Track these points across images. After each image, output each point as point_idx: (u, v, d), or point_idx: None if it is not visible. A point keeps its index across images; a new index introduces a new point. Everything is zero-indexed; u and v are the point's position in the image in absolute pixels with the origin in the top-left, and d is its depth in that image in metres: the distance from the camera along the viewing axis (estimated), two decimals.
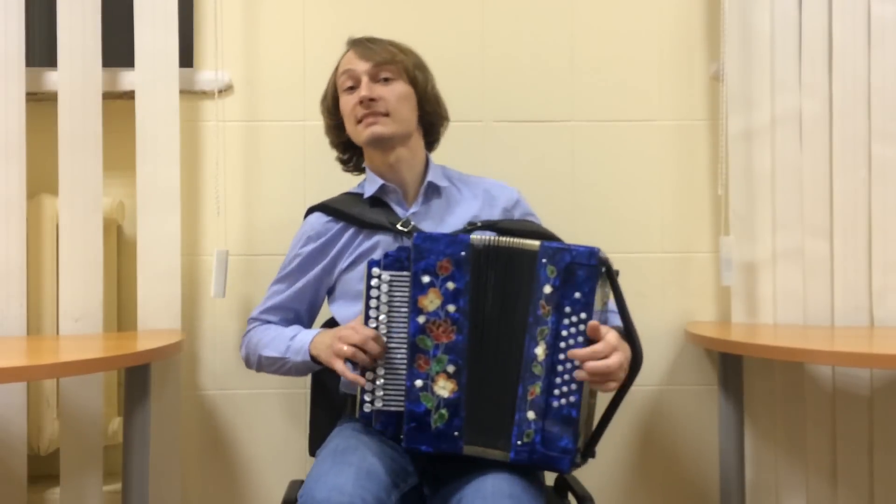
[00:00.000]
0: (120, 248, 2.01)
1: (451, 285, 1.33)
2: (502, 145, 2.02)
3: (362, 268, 1.53)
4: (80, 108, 1.86)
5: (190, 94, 1.97)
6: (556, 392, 1.30)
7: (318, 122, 2.01)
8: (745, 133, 1.96)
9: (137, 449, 1.68)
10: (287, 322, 1.66)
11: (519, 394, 1.32)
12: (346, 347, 1.37)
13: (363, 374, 1.38)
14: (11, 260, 1.83)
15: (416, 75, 1.62)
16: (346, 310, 1.59)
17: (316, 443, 1.66)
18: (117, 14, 1.92)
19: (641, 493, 2.03)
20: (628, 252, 2.01)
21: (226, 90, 2.00)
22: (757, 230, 1.95)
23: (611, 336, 1.31)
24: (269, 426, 1.99)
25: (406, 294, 1.37)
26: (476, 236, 1.36)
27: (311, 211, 1.69)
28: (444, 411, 1.32)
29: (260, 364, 1.63)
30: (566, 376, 1.30)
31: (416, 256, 1.34)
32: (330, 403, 1.67)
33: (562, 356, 1.31)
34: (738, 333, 1.82)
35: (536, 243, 1.34)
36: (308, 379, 1.79)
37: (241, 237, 1.99)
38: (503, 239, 1.36)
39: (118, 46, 1.92)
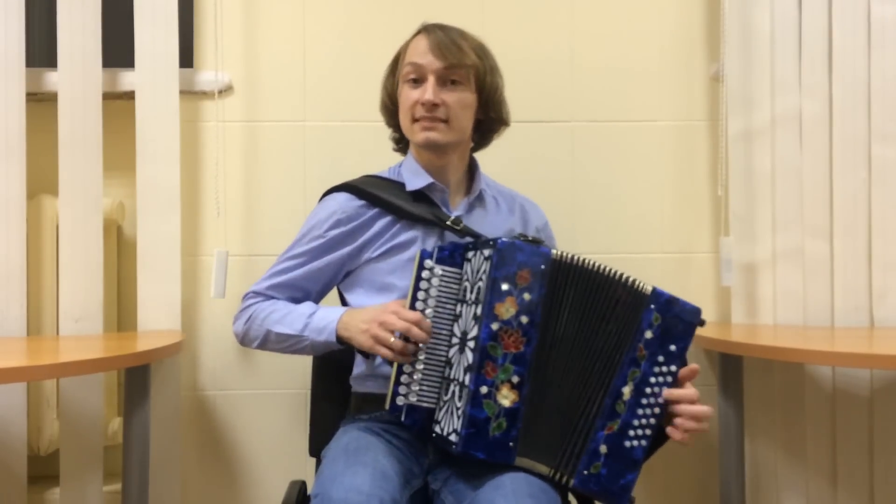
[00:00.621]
0: (120, 248, 2.02)
1: (527, 296, 1.31)
2: (502, 146, 2.01)
3: (395, 260, 1.52)
4: (80, 108, 1.86)
5: (190, 94, 1.97)
6: (631, 433, 1.32)
7: (318, 123, 2.01)
8: (745, 133, 1.96)
9: (137, 449, 1.68)
10: (295, 301, 1.58)
11: (596, 426, 1.32)
12: (392, 338, 1.35)
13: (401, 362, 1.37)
14: (11, 260, 1.83)
15: (486, 81, 1.56)
16: (367, 300, 1.54)
17: (316, 443, 1.66)
18: (117, 14, 1.92)
19: (641, 493, 2.03)
20: (628, 252, 2.01)
21: (226, 91, 2.00)
22: (757, 231, 1.95)
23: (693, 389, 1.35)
24: (269, 427, 1.99)
25: (454, 291, 1.37)
26: (557, 251, 1.34)
27: (334, 190, 1.61)
28: (503, 420, 1.31)
29: (266, 339, 1.55)
30: (644, 420, 1.33)
31: (499, 262, 1.31)
32: (331, 404, 1.67)
33: (644, 401, 1.33)
34: (738, 334, 1.82)
35: (648, 287, 1.34)
36: (308, 379, 1.78)
37: (241, 238, 1.99)
38: (588, 260, 1.34)
39: (118, 47, 1.92)
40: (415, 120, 1.53)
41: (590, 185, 2.03)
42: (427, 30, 1.56)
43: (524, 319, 1.31)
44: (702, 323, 1.36)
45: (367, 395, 1.52)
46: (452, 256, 1.37)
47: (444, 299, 1.37)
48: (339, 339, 1.46)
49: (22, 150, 1.85)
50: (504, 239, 1.33)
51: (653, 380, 1.33)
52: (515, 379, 1.31)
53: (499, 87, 1.60)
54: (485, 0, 2.02)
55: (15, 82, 1.85)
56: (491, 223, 1.60)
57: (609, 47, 2.03)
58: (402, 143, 1.67)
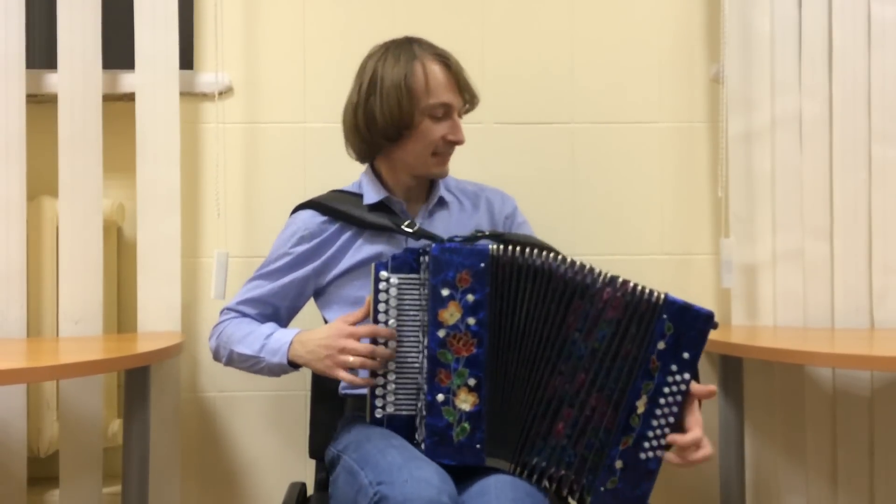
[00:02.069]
0: (120, 249, 2.02)
1: (470, 297, 1.31)
2: (502, 147, 2.01)
3: (363, 273, 1.52)
4: (80, 110, 1.86)
5: (190, 96, 1.97)
6: (646, 445, 1.31)
7: (318, 124, 2.01)
8: (745, 135, 1.96)
9: (137, 451, 1.68)
10: (264, 317, 1.60)
11: (613, 441, 1.30)
12: (352, 359, 1.36)
13: (373, 373, 1.37)
14: (11, 262, 1.83)
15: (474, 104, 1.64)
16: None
17: (316, 445, 1.66)
18: (117, 16, 1.92)
19: None
20: (628, 254, 2.01)
21: (226, 92, 2.00)
22: (757, 232, 1.95)
23: (698, 414, 1.32)
24: (268, 428, 1.99)
25: (416, 296, 1.36)
26: (495, 247, 1.33)
27: (300, 208, 1.63)
28: (465, 424, 1.31)
29: (230, 359, 1.56)
30: (658, 432, 1.31)
31: (435, 269, 1.31)
32: (331, 405, 1.67)
33: (658, 412, 1.31)
34: (739, 335, 1.82)
35: (662, 294, 1.30)
36: (308, 381, 1.78)
37: (241, 239, 1.99)
38: (534, 252, 1.32)
39: (118, 48, 1.92)
40: (435, 153, 1.56)
41: (590, 186, 2.02)
42: (441, 61, 1.56)
43: (471, 321, 1.31)
44: (715, 326, 1.33)
45: (361, 397, 1.52)
46: (407, 262, 1.36)
47: (406, 307, 1.36)
48: (291, 363, 1.47)
49: (22, 151, 1.85)
50: (437, 244, 1.33)
51: (666, 389, 1.30)
52: (472, 382, 1.31)
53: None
54: (485, 2, 2.02)
55: (15, 84, 1.85)
56: (455, 224, 1.61)
57: (609, 49, 2.03)
58: (367, 157, 1.64)
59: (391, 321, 1.36)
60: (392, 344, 1.36)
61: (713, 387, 1.33)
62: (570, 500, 1.34)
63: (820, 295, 1.93)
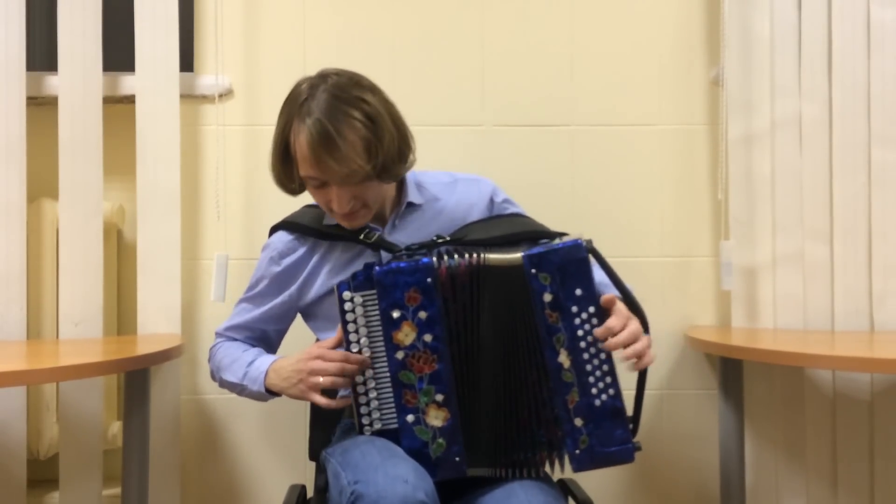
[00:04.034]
0: (120, 252, 2.02)
1: (423, 315, 1.30)
2: (502, 149, 2.02)
3: None
4: (80, 112, 1.86)
5: (190, 98, 1.97)
6: (594, 391, 1.30)
7: None
8: (745, 137, 1.96)
9: (137, 453, 1.68)
10: (253, 340, 1.61)
11: (559, 405, 1.31)
12: (322, 380, 1.35)
13: (354, 386, 1.36)
14: (12, 264, 1.83)
15: (380, 169, 1.41)
16: (333, 333, 1.48)
17: (316, 447, 1.65)
18: (118, 18, 1.92)
19: (642, 497, 2.03)
20: (628, 256, 2.01)
21: (226, 94, 2.00)
22: (757, 234, 1.95)
23: (620, 305, 1.32)
24: (269, 430, 1.98)
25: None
26: (438, 259, 1.32)
27: (274, 229, 1.61)
28: (441, 440, 1.31)
29: (222, 384, 1.58)
30: (598, 372, 1.31)
31: (381, 292, 1.31)
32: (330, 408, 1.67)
33: (585, 355, 1.30)
34: (739, 338, 1.82)
35: (517, 256, 1.31)
36: None
37: (241, 241, 1.99)
38: (476, 257, 1.32)
39: (119, 51, 1.92)
40: (332, 210, 1.47)
41: (589, 189, 2.03)
42: (304, 123, 1.38)
43: (427, 338, 1.31)
44: (591, 249, 1.31)
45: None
46: (369, 279, 1.34)
47: (374, 323, 1.34)
48: (269, 391, 1.48)
49: (22, 153, 1.85)
50: (379, 268, 1.31)
51: (580, 332, 1.31)
52: (440, 397, 1.31)
53: (396, 153, 1.44)
54: (485, 4, 2.03)
55: (15, 86, 1.85)
56: (427, 227, 1.56)
57: (609, 51, 2.03)
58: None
59: (363, 339, 1.35)
60: (367, 371, 1.34)
61: (611, 294, 1.33)
62: (557, 471, 1.35)
63: (820, 297, 1.93)
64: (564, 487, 1.55)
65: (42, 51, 2.03)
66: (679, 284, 2.02)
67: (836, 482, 1.91)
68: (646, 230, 2.03)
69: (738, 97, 1.95)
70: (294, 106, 1.42)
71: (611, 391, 1.31)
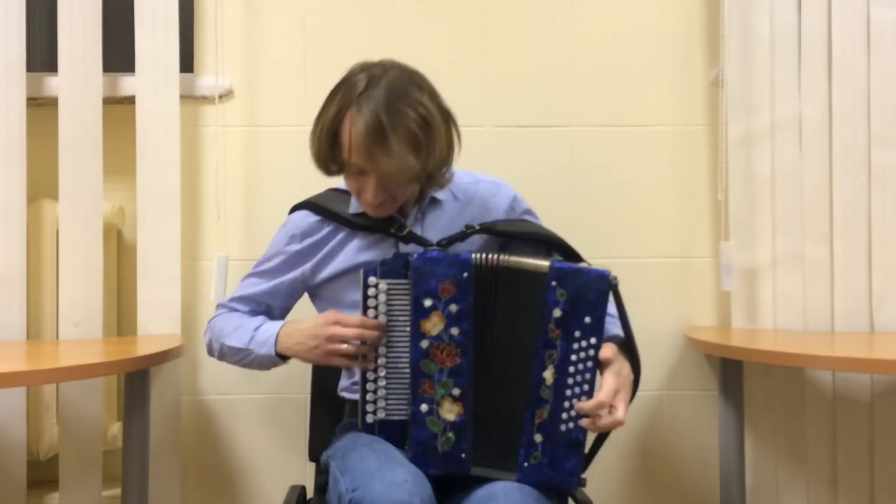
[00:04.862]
0: (120, 252, 2.02)
1: (454, 308, 1.30)
2: (502, 150, 2.02)
3: (357, 278, 1.52)
4: (80, 113, 1.86)
5: (190, 99, 1.97)
6: (564, 416, 1.31)
7: None
8: (744, 138, 1.96)
9: (137, 454, 1.68)
10: (257, 315, 1.60)
11: (526, 417, 1.31)
12: (345, 347, 1.36)
13: (364, 374, 1.36)
14: (11, 265, 1.83)
15: (429, 170, 1.44)
16: None
17: (316, 448, 1.65)
18: (118, 19, 1.92)
19: (642, 498, 2.03)
20: (628, 257, 2.01)
21: (226, 95, 2.00)
22: (757, 235, 1.95)
23: (616, 366, 1.33)
24: (268, 431, 1.98)
25: (405, 302, 1.35)
26: (478, 255, 1.33)
27: (296, 208, 1.62)
28: (450, 434, 1.31)
29: (222, 353, 1.56)
30: (574, 401, 1.31)
31: (417, 279, 1.31)
32: (331, 408, 1.67)
33: (570, 380, 1.31)
34: (738, 338, 1.82)
35: (545, 264, 1.32)
36: (308, 383, 1.78)
37: (241, 242, 1.99)
38: (509, 258, 1.33)
39: (119, 51, 1.92)
40: (361, 197, 1.49)
41: (589, 189, 2.03)
42: (361, 113, 1.39)
43: (454, 332, 1.31)
44: (612, 286, 1.31)
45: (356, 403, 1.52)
46: (396, 268, 1.35)
47: (395, 312, 1.35)
48: (280, 355, 1.48)
49: (22, 154, 1.85)
50: (418, 255, 1.32)
51: (574, 357, 1.31)
52: (457, 392, 1.31)
53: (440, 162, 1.46)
54: (485, 4, 2.03)
55: (15, 87, 1.85)
56: (449, 223, 1.56)
57: (609, 51, 2.03)
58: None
59: (380, 345, 1.36)
60: (379, 359, 1.35)
61: (613, 346, 1.34)
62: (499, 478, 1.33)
63: (820, 298, 1.93)
64: None
65: (42, 51, 2.03)
66: (679, 285, 2.02)
67: (836, 482, 1.91)
68: (646, 231, 2.03)
69: (738, 98, 1.95)
70: (351, 93, 1.42)
71: (579, 422, 1.31)
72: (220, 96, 1.99)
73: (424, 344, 1.31)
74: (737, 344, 1.75)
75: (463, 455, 1.31)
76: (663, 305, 2.02)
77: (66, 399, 1.86)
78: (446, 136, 1.46)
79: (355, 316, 1.37)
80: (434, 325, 1.31)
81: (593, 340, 1.31)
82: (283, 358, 1.49)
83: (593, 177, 2.03)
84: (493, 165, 1.99)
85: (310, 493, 1.66)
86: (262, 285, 1.59)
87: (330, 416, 1.65)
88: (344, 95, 1.43)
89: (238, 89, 2.00)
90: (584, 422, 1.31)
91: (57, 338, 1.87)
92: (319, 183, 1.93)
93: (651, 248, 2.03)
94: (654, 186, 2.03)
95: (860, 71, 1.92)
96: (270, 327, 1.51)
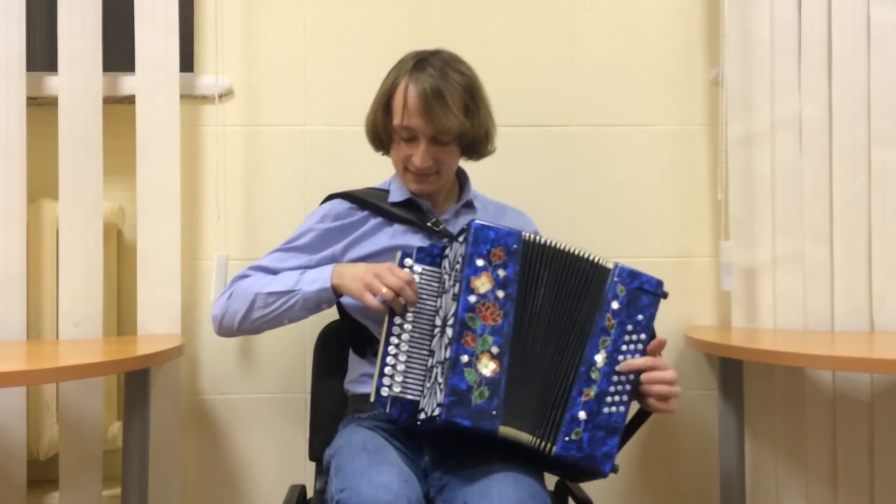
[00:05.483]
0: (120, 252, 2.02)
1: (501, 272, 1.38)
2: (502, 150, 2.01)
3: (391, 258, 1.53)
4: (80, 112, 1.86)
5: (190, 98, 1.97)
6: (609, 400, 1.38)
7: (318, 127, 2.02)
8: (744, 138, 1.96)
9: (137, 453, 1.68)
10: None
11: (573, 394, 1.38)
12: (385, 289, 1.40)
13: (385, 348, 1.40)
14: (11, 264, 1.83)
15: (471, 135, 1.58)
16: (358, 301, 1.51)
17: (316, 447, 1.66)
18: (118, 19, 1.92)
19: (641, 497, 2.03)
20: (628, 256, 2.01)
21: (226, 95, 2.00)
22: (757, 235, 1.95)
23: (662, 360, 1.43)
24: (268, 431, 1.98)
25: (434, 288, 1.43)
26: (528, 234, 1.41)
27: (330, 197, 1.68)
28: (484, 389, 1.34)
29: (251, 307, 1.55)
30: (619, 387, 1.39)
31: (473, 241, 1.38)
32: (331, 407, 1.67)
33: (618, 368, 1.39)
34: (738, 338, 1.82)
35: (610, 262, 1.43)
36: (308, 383, 1.78)
37: (241, 242, 1.99)
38: (560, 243, 1.42)
39: (119, 51, 1.92)
40: (406, 169, 1.60)
41: (589, 189, 2.03)
42: (416, 78, 1.54)
43: (500, 294, 1.38)
44: (664, 294, 1.44)
45: (365, 396, 1.52)
46: (431, 255, 1.45)
47: (424, 295, 1.43)
48: (334, 288, 1.50)
49: (22, 153, 1.85)
50: (478, 221, 1.40)
51: (624, 347, 1.40)
52: (495, 350, 1.36)
53: (486, 131, 1.62)
54: (485, 4, 2.03)
55: (15, 86, 1.85)
56: None
57: (609, 51, 2.03)
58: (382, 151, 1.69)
59: (410, 308, 1.42)
60: (403, 335, 1.41)
61: (664, 338, 1.43)
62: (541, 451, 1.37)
63: (820, 298, 1.93)
64: (564, 487, 1.55)
65: (42, 51, 2.03)
66: (679, 284, 2.02)
67: (836, 482, 1.91)
68: (646, 230, 2.03)
69: (738, 97, 1.95)
70: (404, 67, 1.56)
71: (621, 408, 1.39)
72: (220, 96, 1.99)
73: (472, 299, 1.37)
74: (737, 343, 1.75)
75: (494, 412, 1.34)
76: (663, 305, 1.98)
77: (66, 399, 1.86)
78: (487, 109, 1.61)
79: (406, 272, 1.42)
80: (483, 283, 1.38)
81: (643, 336, 1.41)
82: (335, 293, 1.51)
83: (593, 176, 2.03)
84: (494, 165, 1.99)
85: (310, 493, 1.66)
86: (289, 261, 1.61)
87: (330, 416, 1.65)
88: (396, 72, 1.58)
89: (238, 89, 2.00)
90: (652, 404, 1.40)
91: (57, 337, 1.87)
92: (320, 183, 1.94)
93: (651, 247, 2.03)
94: (653, 186, 2.03)
95: (860, 71, 1.92)
96: (320, 269, 1.54)
